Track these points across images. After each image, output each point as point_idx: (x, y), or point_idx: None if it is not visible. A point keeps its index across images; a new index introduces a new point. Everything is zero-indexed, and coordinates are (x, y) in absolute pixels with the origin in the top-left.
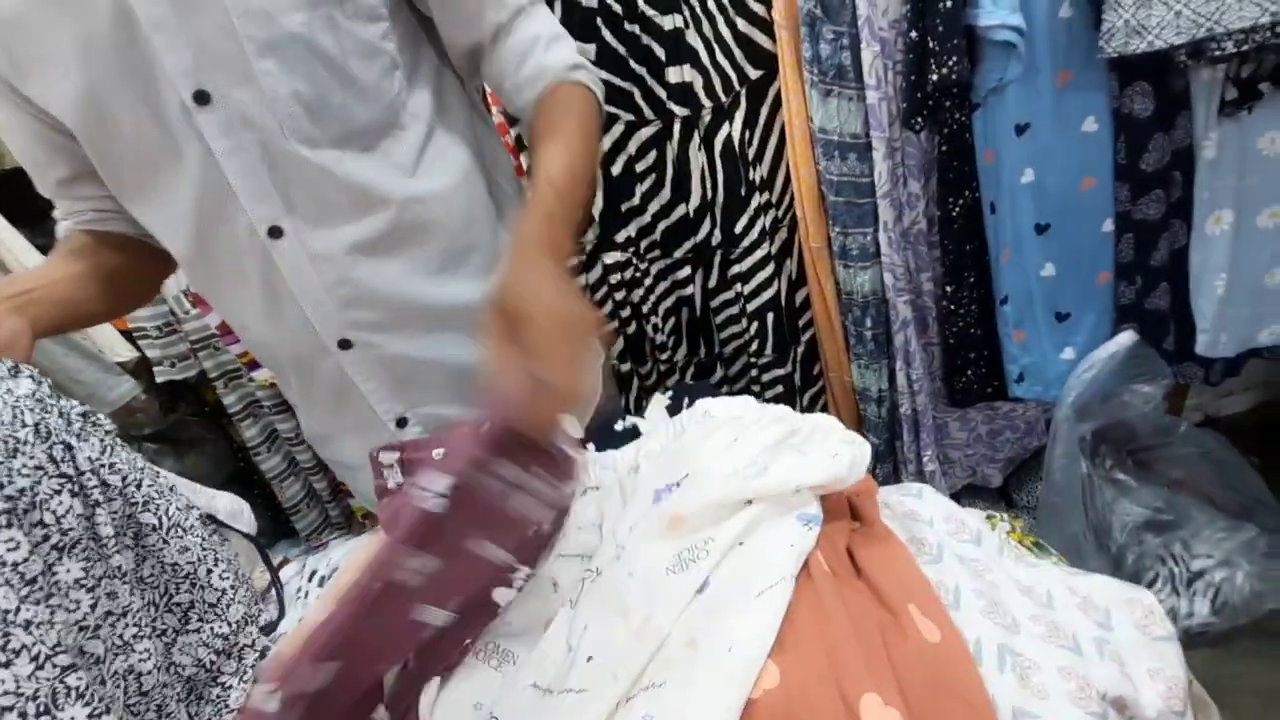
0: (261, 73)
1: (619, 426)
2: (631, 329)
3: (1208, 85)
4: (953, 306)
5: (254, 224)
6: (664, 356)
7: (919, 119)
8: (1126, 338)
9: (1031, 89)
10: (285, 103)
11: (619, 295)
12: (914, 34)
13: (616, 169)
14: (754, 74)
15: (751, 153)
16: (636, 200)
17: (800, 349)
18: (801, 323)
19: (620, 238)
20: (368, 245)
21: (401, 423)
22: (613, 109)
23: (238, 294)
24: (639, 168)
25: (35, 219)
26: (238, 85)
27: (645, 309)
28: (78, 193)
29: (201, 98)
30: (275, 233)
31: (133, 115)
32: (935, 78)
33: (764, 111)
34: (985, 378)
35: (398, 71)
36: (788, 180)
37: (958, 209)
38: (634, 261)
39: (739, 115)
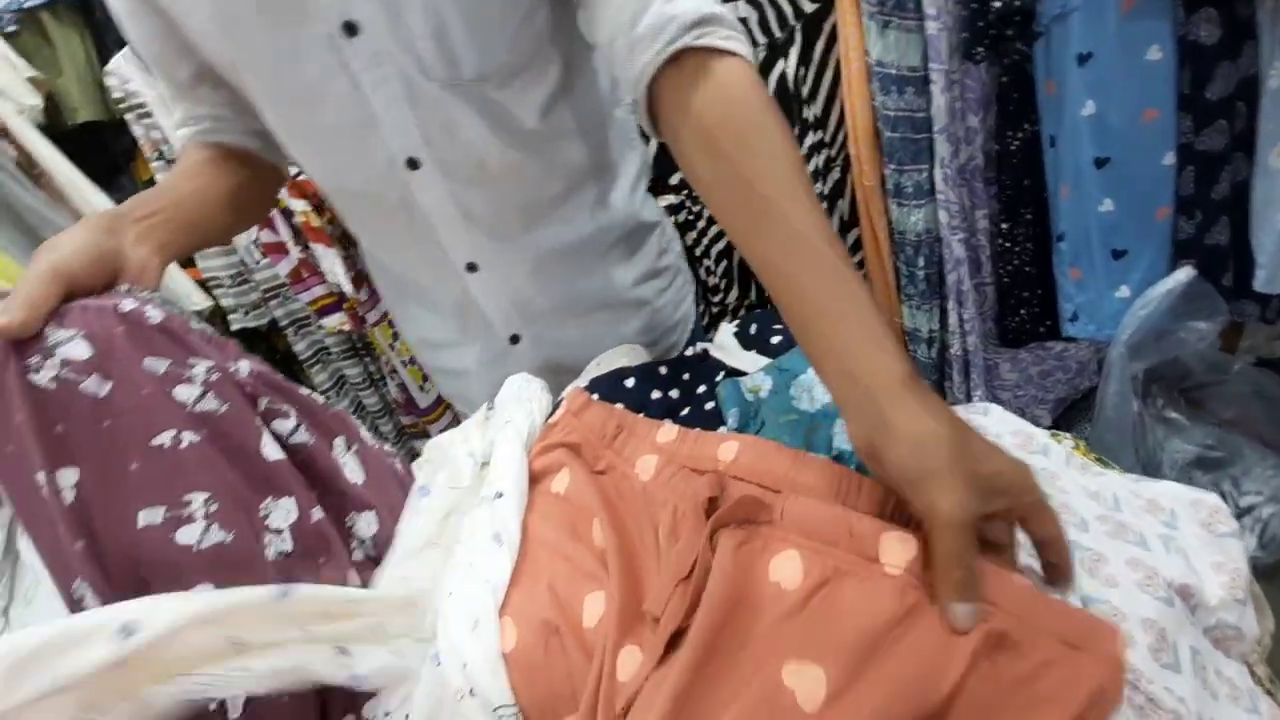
0: (408, 8)
1: (689, 352)
2: None
3: (1273, 11)
4: (1008, 244)
5: (393, 155)
6: (716, 299)
7: (980, 49)
8: (1184, 274)
9: (1096, 16)
10: (427, 39)
11: None
12: None
13: None
14: (809, 7)
15: (805, 90)
16: None
17: None
18: None
19: (674, 180)
20: (499, 176)
21: (514, 339)
22: None
23: (373, 219)
24: None
25: (109, 174)
26: (385, 18)
27: (698, 252)
28: (198, 95)
29: (350, 29)
30: (413, 164)
31: (273, 41)
32: (997, 5)
33: (819, 47)
34: (1039, 317)
35: (540, 11)
36: (841, 119)
37: (1016, 143)
38: (686, 204)
39: (794, 52)
